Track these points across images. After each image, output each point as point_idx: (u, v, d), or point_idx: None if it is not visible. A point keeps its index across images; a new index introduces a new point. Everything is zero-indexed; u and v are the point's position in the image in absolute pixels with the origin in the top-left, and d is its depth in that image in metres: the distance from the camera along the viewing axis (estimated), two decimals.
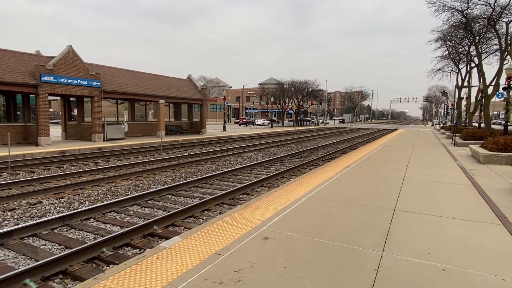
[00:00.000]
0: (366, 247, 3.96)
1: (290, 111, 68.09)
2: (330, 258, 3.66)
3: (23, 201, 7.52)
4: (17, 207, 7.06)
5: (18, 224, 6.01)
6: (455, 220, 5.07)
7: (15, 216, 6.51)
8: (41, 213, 6.77)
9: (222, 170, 11.75)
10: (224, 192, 8.11)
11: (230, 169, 11.80)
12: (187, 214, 6.63)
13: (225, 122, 38.11)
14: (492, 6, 22.65)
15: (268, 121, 55.66)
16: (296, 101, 60.48)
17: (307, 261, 3.56)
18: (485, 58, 29.17)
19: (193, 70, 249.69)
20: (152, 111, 28.91)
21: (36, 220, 6.17)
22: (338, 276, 3.24)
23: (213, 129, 37.89)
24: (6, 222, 6.21)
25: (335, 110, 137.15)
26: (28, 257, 4.73)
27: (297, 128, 46.53)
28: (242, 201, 7.85)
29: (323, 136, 33.76)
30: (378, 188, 7.32)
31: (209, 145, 22.12)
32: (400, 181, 8.06)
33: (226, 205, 7.54)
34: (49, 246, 5.17)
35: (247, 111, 79.79)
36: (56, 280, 4.13)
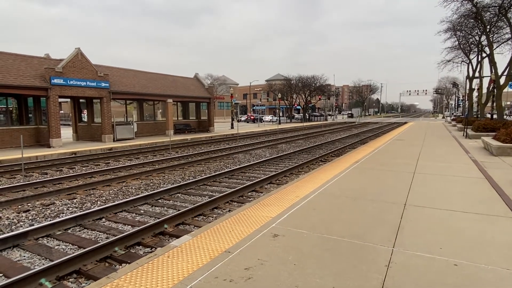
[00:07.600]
0: (376, 243, 3.94)
1: (298, 107, 67.81)
2: (340, 254, 3.65)
3: (37, 202, 7.68)
4: (31, 208, 7.22)
5: (33, 225, 6.15)
6: (467, 214, 4.99)
7: (30, 217, 6.65)
8: (55, 213, 6.90)
9: (230, 168, 11.79)
10: (233, 190, 8.14)
11: (239, 166, 11.82)
12: (197, 213, 6.68)
13: (232, 119, 38.18)
14: None
15: (276, 118, 55.54)
16: (303, 96, 60.18)
17: (317, 258, 3.56)
18: (496, 47, 28.46)
19: (200, 68, 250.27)
20: (160, 110, 29.11)
21: (50, 220, 6.29)
22: (349, 272, 3.23)
23: (221, 126, 38.00)
24: (21, 223, 6.35)
25: (343, 104, 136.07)
26: (43, 257, 4.83)
27: (305, 124, 46.30)
28: (251, 199, 7.87)
29: (331, 131, 33.54)
30: (388, 183, 7.25)
31: (218, 143, 22.19)
32: (410, 175, 7.97)
33: (235, 203, 7.57)
34: (63, 246, 5.27)
35: (254, 107, 79.73)
36: (70, 280, 4.21)
